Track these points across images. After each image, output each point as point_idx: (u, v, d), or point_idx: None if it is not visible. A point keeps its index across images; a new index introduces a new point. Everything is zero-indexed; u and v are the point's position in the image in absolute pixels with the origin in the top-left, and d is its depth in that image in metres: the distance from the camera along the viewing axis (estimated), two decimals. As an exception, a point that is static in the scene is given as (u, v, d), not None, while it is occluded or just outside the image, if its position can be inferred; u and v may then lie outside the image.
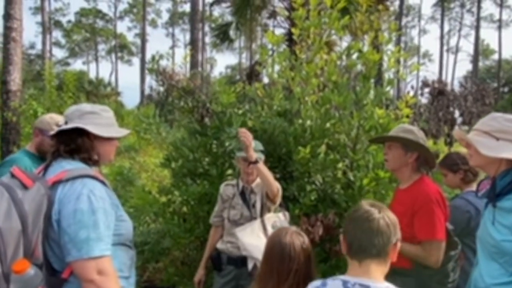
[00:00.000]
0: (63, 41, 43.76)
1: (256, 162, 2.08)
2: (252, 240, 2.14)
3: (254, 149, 2.12)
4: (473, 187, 2.23)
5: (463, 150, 1.88)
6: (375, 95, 2.77)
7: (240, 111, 2.82)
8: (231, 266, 2.23)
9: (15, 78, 6.24)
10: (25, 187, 1.23)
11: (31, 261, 1.17)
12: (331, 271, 2.57)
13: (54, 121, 2.15)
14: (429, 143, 3.66)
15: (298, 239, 1.37)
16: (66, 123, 1.43)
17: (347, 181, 2.82)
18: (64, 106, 6.06)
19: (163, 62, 3.14)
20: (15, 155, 2.24)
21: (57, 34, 42.36)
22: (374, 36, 2.94)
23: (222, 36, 9.83)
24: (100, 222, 1.25)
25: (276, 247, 1.35)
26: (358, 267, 1.19)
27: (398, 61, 2.73)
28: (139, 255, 3.01)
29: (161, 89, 2.85)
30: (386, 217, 1.20)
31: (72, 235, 1.22)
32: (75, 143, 1.38)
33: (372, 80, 2.85)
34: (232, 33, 10.03)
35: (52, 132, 1.43)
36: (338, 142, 2.83)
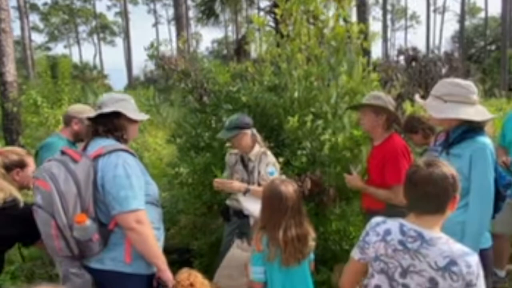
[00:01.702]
0: (41, 25, 42.37)
1: (247, 191, 2.51)
2: (253, 204, 2.55)
3: (235, 124, 2.52)
4: None
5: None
6: (348, 65, 3.10)
7: (234, 89, 3.13)
8: (235, 217, 2.66)
9: (10, 69, 6.38)
10: (75, 161, 1.59)
11: (87, 215, 1.55)
12: (323, 221, 3.01)
13: (88, 110, 2.53)
14: (407, 105, 4.05)
15: (291, 185, 1.82)
16: (99, 108, 1.75)
17: (332, 144, 3.20)
18: (62, 93, 6.26)
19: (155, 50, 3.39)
20: (50, 139, 2.58)
21: (34, 18, 40.88)
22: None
23: (208, 12, 9.89)
24: (134, 184, 1.61)
25: (276, 193, 1.76)
26: (415, 218, 1.31)
27: (361, 31, 3.02)
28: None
29: (161, 72, 3.11)
30: (443, 176, 1.25)
31: (114, 194, 1.58)
32: (113, 124, 1.72)
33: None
34: (217, 6, 10.07)
35: (91, 115, 1.75)
36: (321, 110, 3.18)
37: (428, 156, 2.77)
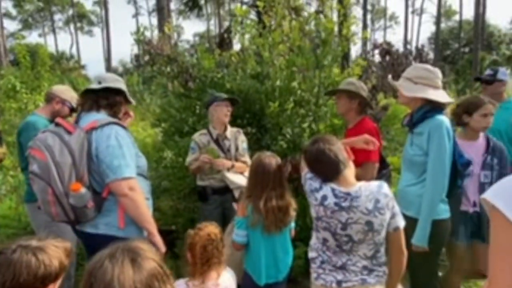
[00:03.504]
0: (14, 12, 40.53)
1: (233, 166, 2.66)
2: (238, 178, 2.69)
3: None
4: None
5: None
6: (332, 57, 3.30)
7: (219, 75, 3.26)
8: (216, 195, 2.72)
9: (-14, 54, 6.21)
10: (69, 132, 1.68)
11: (82, 184, 1.65)
12: (302, 202, 3.20)
13: (72, 94, 2.57)
14: (380, 97, 4.30)
15: (274, 160, 1.97)
16: (99, 83, 1.84)
17: (312, 132, 3.39)
18: (41, 80, 6.18)
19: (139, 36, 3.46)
20: (31, 118, 2.55)
21: (7, 5, 39.08)
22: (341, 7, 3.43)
23: (192, 4, 9.90)
24: (126, 154, 1.72)
25: (260, 166, 1.92)
26: (338, 183, 1.54)
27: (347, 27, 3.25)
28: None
29: (146, 58, 3.19)
30: (331, 148, 1.55)
31: (108, 163, 1.68)
32: (114, 99, 1.83)
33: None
34: (200, -1, 10.09)
35: (96, 87, 1.82)
36: (303, 99, 3.37)
37: None
